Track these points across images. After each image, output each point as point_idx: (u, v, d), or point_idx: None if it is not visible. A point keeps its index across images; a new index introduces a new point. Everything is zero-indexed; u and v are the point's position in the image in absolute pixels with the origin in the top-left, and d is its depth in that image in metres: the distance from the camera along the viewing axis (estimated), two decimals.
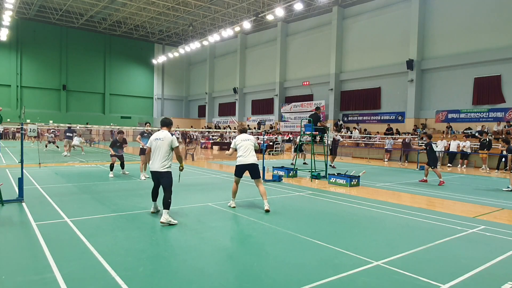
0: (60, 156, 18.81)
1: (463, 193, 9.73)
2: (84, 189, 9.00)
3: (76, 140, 20.27)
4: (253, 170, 7.06)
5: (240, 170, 7.09)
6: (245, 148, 7.07)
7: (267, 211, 6.75)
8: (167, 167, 6.03)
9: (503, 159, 16.18)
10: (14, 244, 4.75)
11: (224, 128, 38.14)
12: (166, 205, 5.78)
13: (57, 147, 23.79)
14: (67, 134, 19.15)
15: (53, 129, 28.81)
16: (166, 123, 6.38)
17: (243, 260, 4.35)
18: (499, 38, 19.97)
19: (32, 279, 3.60)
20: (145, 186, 9.56)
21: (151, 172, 6.16)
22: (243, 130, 7.46)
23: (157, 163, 6.02)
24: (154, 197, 6.46)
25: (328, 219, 6.46)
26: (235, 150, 7.22)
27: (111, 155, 11.55)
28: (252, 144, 7.15)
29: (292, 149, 20.12)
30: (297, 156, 17.51)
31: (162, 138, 6.08)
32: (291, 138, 27.04)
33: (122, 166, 11.85)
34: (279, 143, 26.68)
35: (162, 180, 6.04)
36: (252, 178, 7.12)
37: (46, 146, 24.17)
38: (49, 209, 6.62)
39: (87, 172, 12.16)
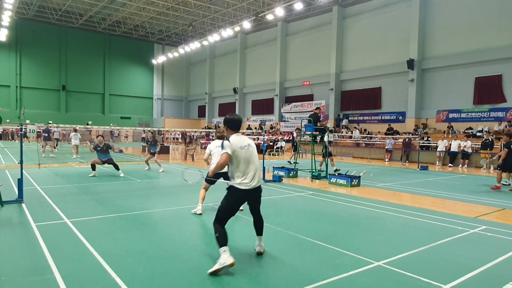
0: (61, 156, 18.77)
1: (464, 193, 9.71)
2: (83, 189, 8.99)
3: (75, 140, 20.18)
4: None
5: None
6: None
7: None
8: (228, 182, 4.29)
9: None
10: (13, 245, 4.73)
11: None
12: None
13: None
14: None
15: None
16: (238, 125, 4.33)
17: (243, 260, 4.33)
18: (500, 37, 19.94)
19: (32, 280, 3.59)
20: (145, 187, 9.54)
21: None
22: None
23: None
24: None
25: (328, 219, 6.44)
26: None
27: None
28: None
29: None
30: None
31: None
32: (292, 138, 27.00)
33: (116, 167, 11.70)
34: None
35: None
36: None
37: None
38: (49, 210, 6.60)
39: (86, 173, 12.11)
